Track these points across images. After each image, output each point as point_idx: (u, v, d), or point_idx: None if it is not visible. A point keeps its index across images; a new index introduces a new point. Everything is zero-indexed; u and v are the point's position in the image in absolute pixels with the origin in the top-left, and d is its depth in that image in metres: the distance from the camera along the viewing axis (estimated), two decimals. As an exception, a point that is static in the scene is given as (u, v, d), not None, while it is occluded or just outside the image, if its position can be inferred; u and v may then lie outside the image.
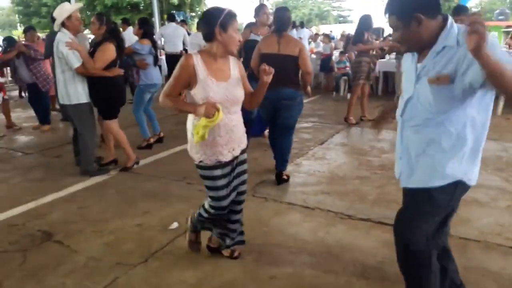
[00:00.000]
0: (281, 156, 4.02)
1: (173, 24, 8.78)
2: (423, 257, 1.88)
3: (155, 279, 2.52)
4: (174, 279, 2.51)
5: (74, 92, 4.07)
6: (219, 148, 2.32)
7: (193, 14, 28.75)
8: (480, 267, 2.55)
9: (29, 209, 3.56)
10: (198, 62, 2.23)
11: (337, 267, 2.58)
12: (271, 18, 4.68)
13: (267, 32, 4.71)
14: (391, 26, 1.75)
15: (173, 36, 8.45)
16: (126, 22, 8.63)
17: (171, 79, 2.30)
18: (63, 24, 4.02)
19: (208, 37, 2.24)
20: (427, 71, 1.70)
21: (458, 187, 1.79)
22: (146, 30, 5.10)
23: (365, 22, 6.14)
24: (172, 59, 8.63)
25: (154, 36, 5.63)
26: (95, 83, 4.11)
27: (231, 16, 2.23)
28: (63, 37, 3.97)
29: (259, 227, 3.11)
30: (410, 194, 1.90)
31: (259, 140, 5.36)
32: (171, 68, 8.89)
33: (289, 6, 46.61)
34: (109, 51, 4.07)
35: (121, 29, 6.08)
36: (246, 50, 4.60)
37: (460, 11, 4.58)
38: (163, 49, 8.62)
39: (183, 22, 8.38)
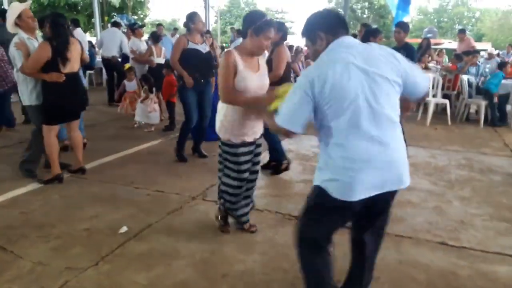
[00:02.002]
0: None
1: (113, 28, 8.71)
2: None
3: (107, 282, 2.51)
4: (127, 281, 2.52)
5: (25, 93, 3.97)
6: (245, 130, 2.80)
7: (135, 17, 28.14)
8: (412, 260, 2.82)
9: (-36, 215, 3.37)
10: (237, 57, 2.68)
11: (286, 264, 2.73)
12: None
13: (201, 41, 4.75)
14: (305, 45, 2.08)
15: (109, 40, 8.45)
16: (74, 23, 8.34)
17: (222, 77, 2.68)
18: (16, 24, 3.90)
19: (244, 35, 2.74)
20: None
21: None
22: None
23: None
24: (105, 62, 8.53)
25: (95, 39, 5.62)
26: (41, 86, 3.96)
27: (266, 24, 2.65)
28: (15, 37, 3.90)
29: (210, 229, 3.19)
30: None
31: (211, 145, 5.43)
32: (108, 71, 8.74)
33: (233, 15, 47.12)
34: (40, 50, 3.80)
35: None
36: (185, 59, 4.56)
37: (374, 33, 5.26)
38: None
39: (140, 28, 8.23)
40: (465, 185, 4.29)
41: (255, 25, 2.65)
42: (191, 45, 4.62)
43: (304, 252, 2.10)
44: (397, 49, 4.83)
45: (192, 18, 4.68)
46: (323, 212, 1.97)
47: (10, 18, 3.89)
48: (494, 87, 7.43)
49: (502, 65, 7.89)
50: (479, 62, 9.08)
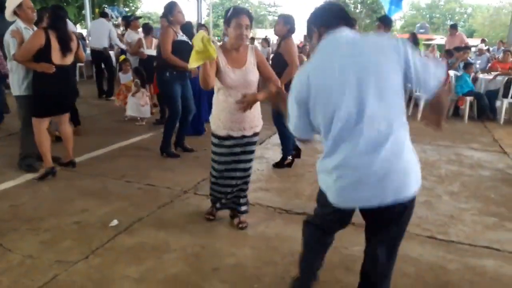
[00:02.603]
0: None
1: (101, 19, 8.61)
2: None
3: (97, 275, 2.50)
4: (117, 275, 2.52)
5: (16, 83, 3.96)
6: (231, 124, 2.81)
7: (127, 9, 27.83)
8: (402, 254, 2.80)
9: (-48, 208, 3.33)
10: (220, 54, 2.71)
11: (277, 257, 2.74)
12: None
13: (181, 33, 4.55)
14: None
15: (98, 31, 8.33)
16: None
17: (201, 71, 2.65)
18: (15, 13, 3.87)
19: (224, 32, 2.84)
20: None
21: None
22: None
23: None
24: (95, 54, 8.41)
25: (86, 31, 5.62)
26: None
27: (233, 13, 2.68)
28: (12, 25, 3.90)
29: (202, 223, 3.19)
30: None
31: (199, 140, 5.42)
32: (96, 62, 8.62)
33: (226, 8, 46.93)
34: (33, 37, 3.76)
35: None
36: (176, 52, 4.42)
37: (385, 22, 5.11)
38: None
39: (136, 20, 8.17)
40: (455, 180, 4.34)
41: (226, 18, 2.72)
42: (179, 37, 4.52)
43: (305, 232, 2.16)
44: None
45: (170, 9, 4.46)
46: (321, 208, 2.00)
47: (10, 6, 3.87)
48: (460, 89, 7.58)
49: (466, 66, 7.97)
50: (470, 58, 9.14)
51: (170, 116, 4.76)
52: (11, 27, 3.95)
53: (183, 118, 4.78)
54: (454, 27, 10.87)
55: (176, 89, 4.58)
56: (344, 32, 1.77)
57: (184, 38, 4.61)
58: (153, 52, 6.96)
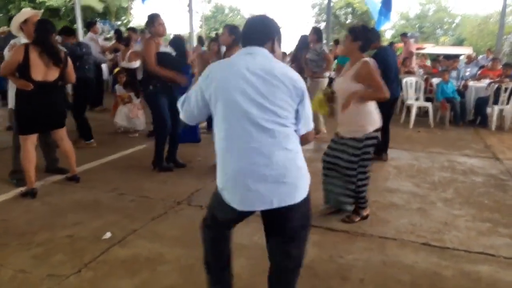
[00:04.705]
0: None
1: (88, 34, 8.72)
2: None
3: (90, 289, 2.47)
4: (111, 288, 2.49)
5: (10, 96, 4.01)
6: None
7: (119, 23, 27.92)
8: (396, 261, 2.84)
9: None
10: None
11: (272, 268, 2.72)
12: None
13: (163, 44, 4.53)
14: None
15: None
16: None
17: None
18: (21, 28, 3.90)
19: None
20: None
21: None
22: None
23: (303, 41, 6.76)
24: None
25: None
26: None
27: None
28: (13, 40, 3.99)
29: (196, 234, 3.15)
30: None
31: (194, 149, 5.41)
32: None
33: (218, 21, 47.18)
34: (13, 53, 3.70)
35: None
36: (159, 62, 4.33)
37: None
38: None
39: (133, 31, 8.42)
40: (448, 187, 4.35)
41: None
42: (162, 49, 4.43)
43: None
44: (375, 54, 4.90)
45: (152, 20, 4.38)
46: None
47: (16, 20, 3.89)
48: (439, 96, 7.82)
49: (442, 74, 8.12)
50: (459, 66, 9.27)
51: (159, 129, 4.63)
52: (11, 41, 4.02)
53: (173, 131, 4.63)
54: (404, 35, 11.06)
55: (163, 101, 4.45)
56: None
57: (168, 49, 4.57)
58: (136, 64, 7.07)
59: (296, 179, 1.80)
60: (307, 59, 6.35)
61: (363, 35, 3.26)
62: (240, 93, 1.76)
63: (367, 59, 3.21)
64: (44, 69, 3.74)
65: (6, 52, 3.99)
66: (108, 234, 3.12)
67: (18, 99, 3.79)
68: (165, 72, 4.34)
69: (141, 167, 4.81)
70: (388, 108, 4.76)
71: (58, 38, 4.86)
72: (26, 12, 3.98)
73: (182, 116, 2.08)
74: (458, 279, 2.64)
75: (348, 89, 3.20)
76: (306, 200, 1.86)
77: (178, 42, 5.72)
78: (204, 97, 1.88)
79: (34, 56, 3.66)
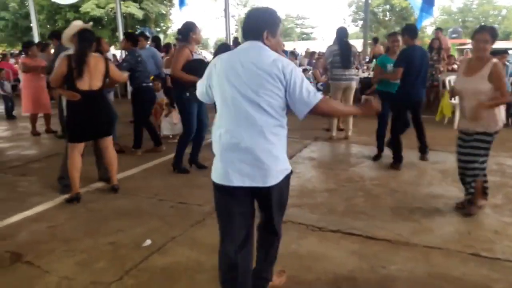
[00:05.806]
0: None
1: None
2: None
3: (131, 297, 2.51)
4: (151, 296, 2.52)
5: (64, 105, 4.18)
6: None
7: (158, 29, 28.65)
8: (443, 273, 2.71)
9: (-6, 230, 3.46)
10: None
11: (310, 277, 2.67)
12: None
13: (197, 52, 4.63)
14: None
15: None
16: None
17: None
18: (72, 40, 3.99)
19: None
20: None
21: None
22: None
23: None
24: None
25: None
26: None
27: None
28: (63, 53, 4.14)
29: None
30: None
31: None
32: None
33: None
34: (57, 65, 3.93)
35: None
36: (191, 71, 4.38)
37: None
38: None
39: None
40: (497, 192, 4.12)
41: None
42: (195, 56, 4.57)
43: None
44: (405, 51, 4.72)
45: (193, 27, 4.55)
46: None
47: (69, 32, 3.99)
48: None
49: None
50: (508, 62, 8.78)
51: (185, 133, 4.86)
52: (61, 54, 4.17)
53: (197, 134, 4.84)
54: (439, 30, 10.13)
55: (194, 107, 4.64)
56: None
57: (201, 56, 4.68)
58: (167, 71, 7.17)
59: (270, 165, 2.04)
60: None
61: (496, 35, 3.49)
62: (231, 86, 1.97)
63: (496, 60, 3.42)
64: (88, 79, 3.86)
65: (57, 63, 4.14)
66: (148, 242, 3.17)
67: (68, 109, 3.99)
68: (188, 77, 4.40)
69: (178, 173, 4.88)
70: (404, 113, 4.94)
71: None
72: (77, 25, 4.09)
73: (198, 93, 2.29)
74: (511, 293, 2.49)
75: (480, 89, 3.38)
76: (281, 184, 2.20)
77: (225, 48, 5.75)
78: (209, 84, 2.12)
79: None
